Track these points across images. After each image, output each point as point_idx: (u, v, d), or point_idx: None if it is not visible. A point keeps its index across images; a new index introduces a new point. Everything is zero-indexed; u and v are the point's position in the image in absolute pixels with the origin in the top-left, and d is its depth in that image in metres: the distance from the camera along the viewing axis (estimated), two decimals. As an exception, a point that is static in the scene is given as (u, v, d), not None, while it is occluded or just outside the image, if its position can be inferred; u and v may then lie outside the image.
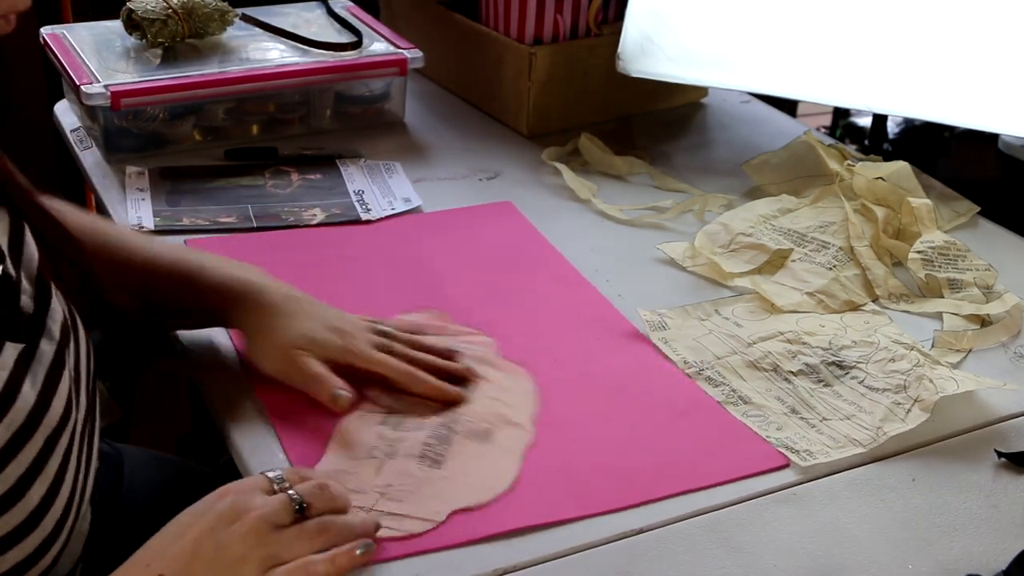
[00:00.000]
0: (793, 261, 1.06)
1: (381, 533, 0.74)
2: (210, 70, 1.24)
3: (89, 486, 0.77)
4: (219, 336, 0.95)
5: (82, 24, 1.34)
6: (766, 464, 0.83)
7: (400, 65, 1.31)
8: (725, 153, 1.34)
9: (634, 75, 1.29)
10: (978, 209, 1.20)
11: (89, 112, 1.23)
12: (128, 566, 0.68)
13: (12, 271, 0.70)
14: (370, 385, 0.88)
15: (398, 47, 1.32)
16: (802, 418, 0.87)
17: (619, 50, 1.29)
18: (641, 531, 0.76)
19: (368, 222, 1.14)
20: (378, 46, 1.33)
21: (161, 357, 1.53)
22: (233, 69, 1.25)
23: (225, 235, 1.10)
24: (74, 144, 1.28)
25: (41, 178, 0.77)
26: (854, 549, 0.76)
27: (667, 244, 1.11)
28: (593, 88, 1.36)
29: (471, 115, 1.40)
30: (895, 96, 1.19)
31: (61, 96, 1.36)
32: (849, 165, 1.18)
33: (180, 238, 1.08)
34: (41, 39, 1.30)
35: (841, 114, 2.09)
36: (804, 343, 0.95)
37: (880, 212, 1.11)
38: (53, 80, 1.45)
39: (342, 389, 0.85)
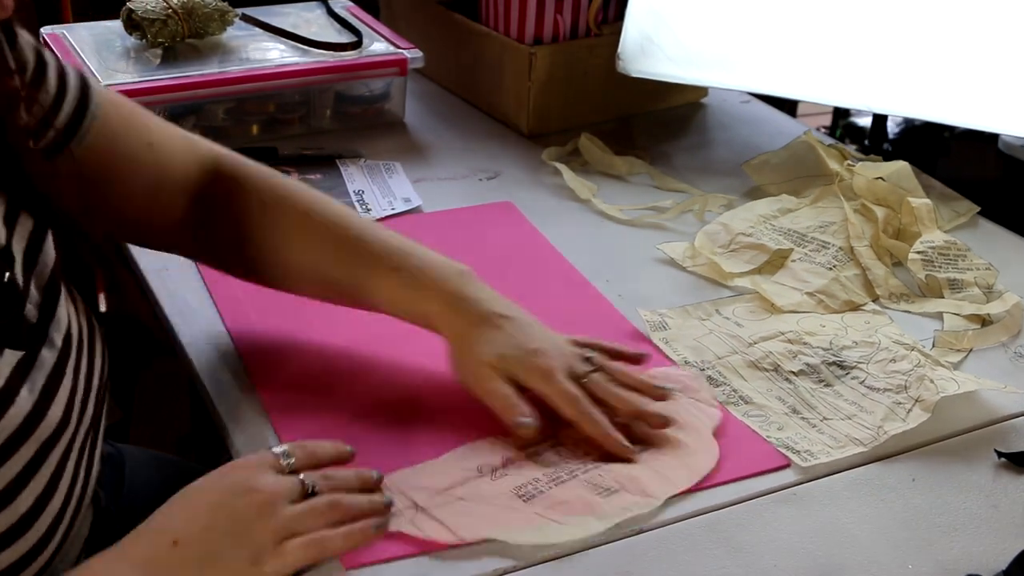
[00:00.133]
0: (793, 261, 1.06)
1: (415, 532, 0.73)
2: (210, 70, 1.24)
3: (88, 492, 0.77)
4: (219, 336, 0.95)
5: (82, 24, 1.34)
6: (767, 464, 0.83)
7: (400, 65, 1.31)
8: (725, 153, 1.34)
9: (634, 75, 1.29)
10: (978, 209, 1.20)
11: (89, 112, 1.23)
12: (137, 535, 0.68)
13: (20, 278, 0.69)
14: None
15: (398, 47, 1.32)
16: (803, 418, 0.87)
17: (619, 50, 1.29)
18: (641, 531, 0.76)
19: (368, 222, 1.14)
20: (378, 46, 1.33)
21: (161, 357, 1.53)
22: (233, 69, 1.25)
23: (225, 235, 1.09)
24: (74, 144, 1.27)
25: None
26: (854, 549, 0.76)
27: (667, 244, 1.11)
28: (593, 88, 1.36)
29: (471, 115, 1.40)
30: (895, 96, 1.19)
31: (61, 96, 1.36)
32: (849, 165, 1.18)
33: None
34: (41, 39, 1.30)
35: (841, 114, 2.08)
36: (805, 343, 0.95)
37: (880, 212, 1.11)
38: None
39: (526, 417, 0.80)
